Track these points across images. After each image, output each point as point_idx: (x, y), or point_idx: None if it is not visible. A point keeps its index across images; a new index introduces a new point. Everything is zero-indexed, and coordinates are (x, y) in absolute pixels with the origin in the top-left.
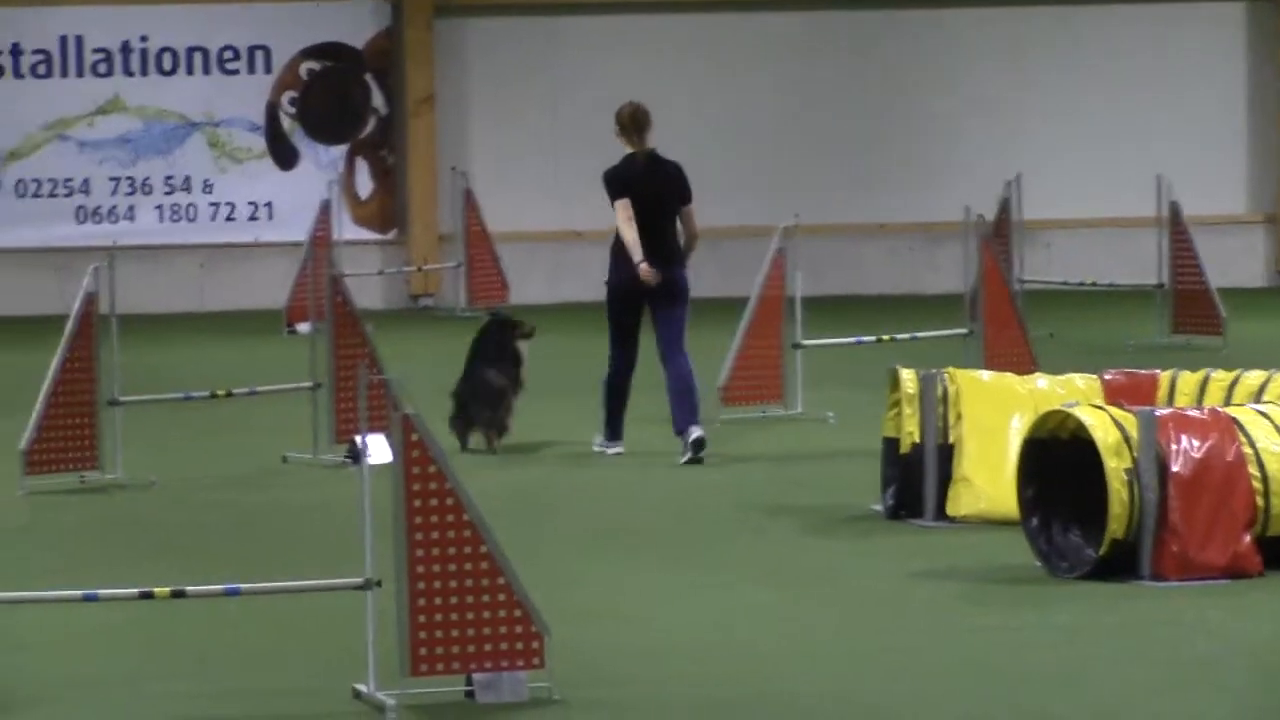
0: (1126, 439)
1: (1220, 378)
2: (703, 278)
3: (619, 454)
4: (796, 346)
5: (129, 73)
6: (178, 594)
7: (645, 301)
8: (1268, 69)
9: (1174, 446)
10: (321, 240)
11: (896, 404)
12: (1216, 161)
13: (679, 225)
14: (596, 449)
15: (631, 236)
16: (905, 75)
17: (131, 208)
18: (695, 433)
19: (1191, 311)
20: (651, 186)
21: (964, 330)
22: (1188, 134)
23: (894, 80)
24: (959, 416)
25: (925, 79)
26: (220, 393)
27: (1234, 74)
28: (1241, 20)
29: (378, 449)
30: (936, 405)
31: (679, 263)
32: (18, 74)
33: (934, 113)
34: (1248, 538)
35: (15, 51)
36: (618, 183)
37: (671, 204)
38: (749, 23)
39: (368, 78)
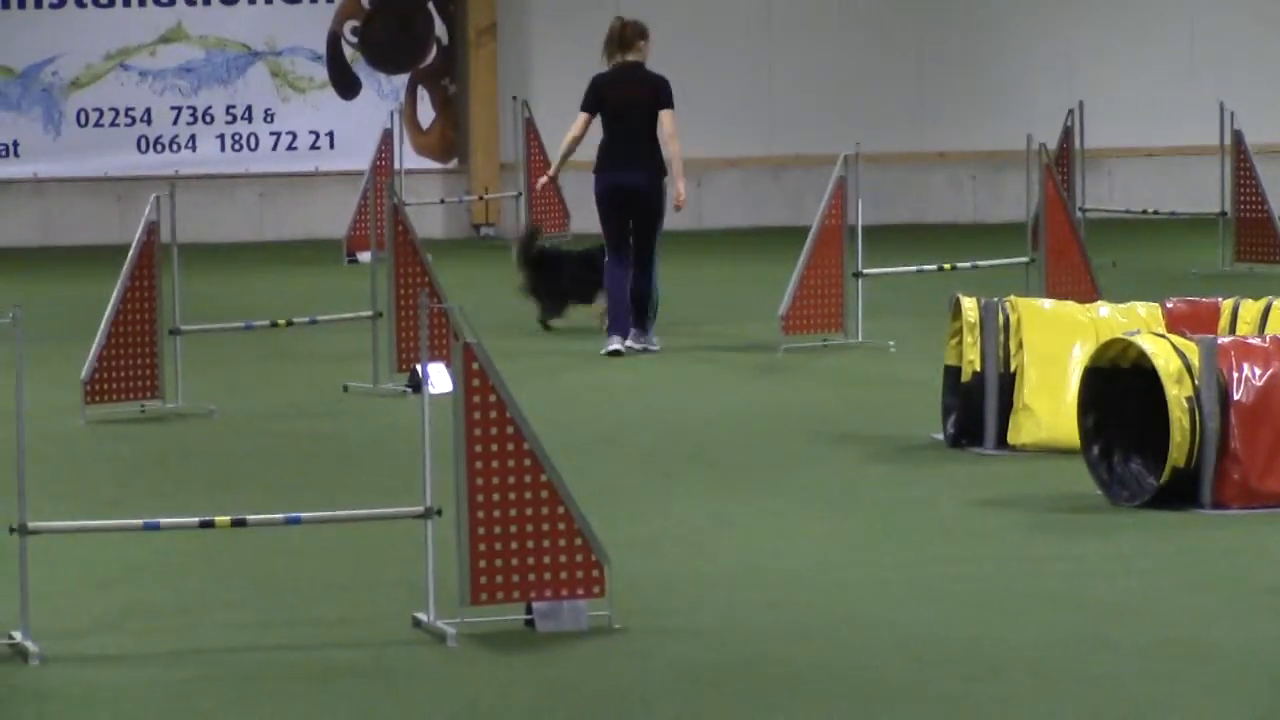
0: (1188, 367)
1: None
2: (766, 206)
3: (615, 350)
4: (857, 275)
5: (191, 2)
6: (238, 523)
7: (622, 209)
8: None
9: (1235, 375)
10: (383, 169)
11: (958, 332)
12: (1279, 89)
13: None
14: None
15: (565, 147)
16: (966, 3)
17: (193, 137)
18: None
19: (1254, 240)
20: (625, 93)
21: (1026, 259)
22: (1250, 61)
23: (955, 7)
24: (1020, 345)
25: (986, 7)
26: (281, 322)
27: None
28: None
29: (438, 378)
30: (998, 334)
31: (655, 172)
32: (80, 3)
33: (996, 40)
34: None
35: None
36: (589, 93)
37: (646, 112)
38: None
39: (430, 6)
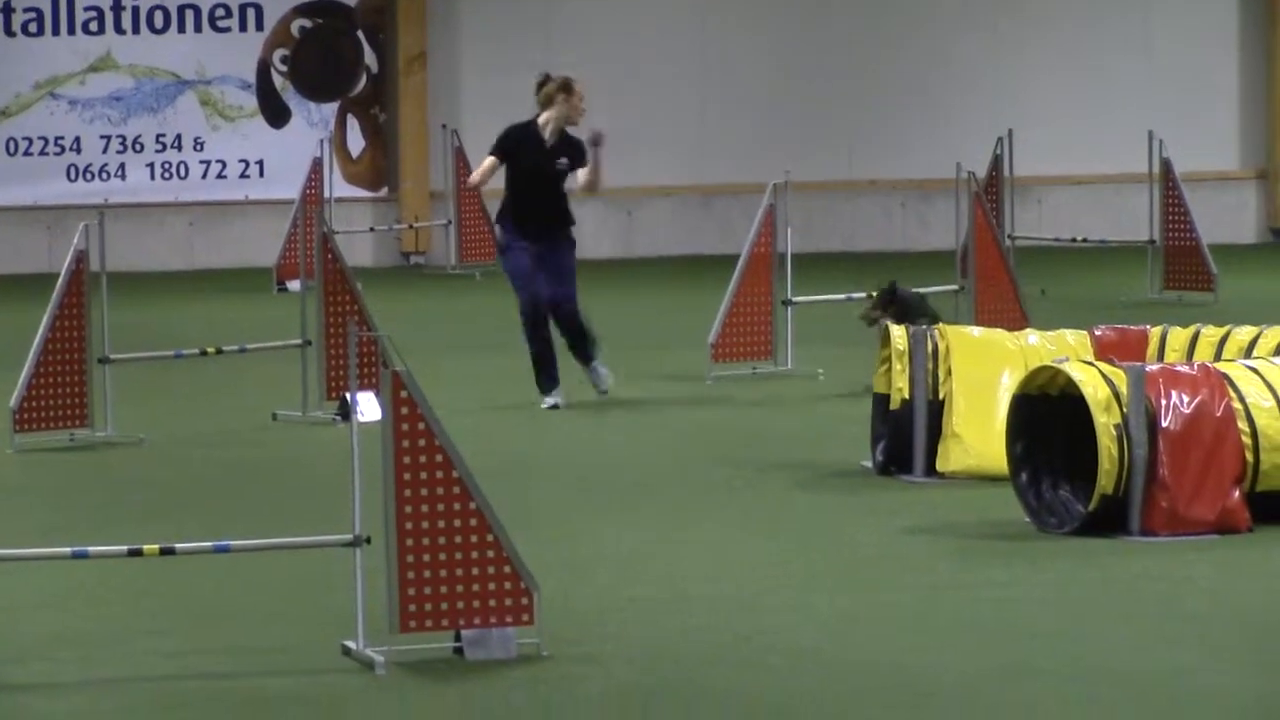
0: (1116, 395)
1: (1210, 333)
2: (697, 234)
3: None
4: (787, 303)
5: (120, 31)
6: (167, 551)
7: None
8: (1259, 24)
9: (1164, 402)
10: (312, 198)
11: (887, 360)
12: (1208, 117)
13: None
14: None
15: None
16: (897, 33)
17: (122, 166)
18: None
19: (1182, 267)
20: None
21: (955, 286)
22: (1179, 90)
23: (885, 37)
24: (949, 372)
25: (917, 36)
26: (210, 350)
27: (1225, 29)
28: None
29: (368, 406)
30: (926, 361)
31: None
32: (9, 32)
33: (926, 69)
34: (1237, 493)
35: (7, 9)
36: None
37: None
38: None
39: (359, 35)
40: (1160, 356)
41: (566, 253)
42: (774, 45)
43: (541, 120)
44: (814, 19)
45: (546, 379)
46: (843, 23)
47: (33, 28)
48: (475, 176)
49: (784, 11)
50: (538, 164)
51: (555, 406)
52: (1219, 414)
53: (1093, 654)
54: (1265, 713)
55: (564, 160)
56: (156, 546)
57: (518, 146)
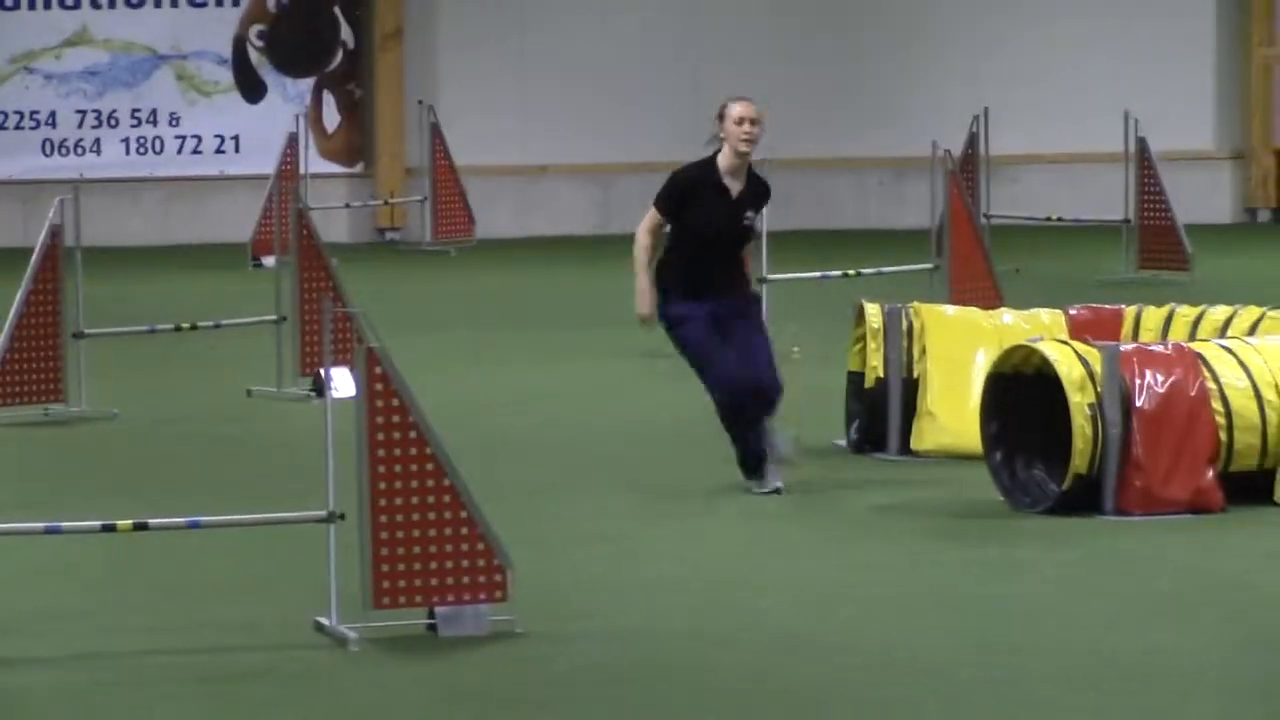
0: (1090, 374)
1: (1185, 313)
2: None
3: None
4: (763, 281)
5: (96, 5)
6: (140, 527)
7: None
8: (1236, 4)
9: (1138, 382)
10: (288, 173)
11: (861, 339)
12: (1184, 97)
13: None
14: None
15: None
16: (873, 10)
17: (98, 140)
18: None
19: (1158, 247)
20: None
21: (930, 265)
22: (1156, 69)
23: (863, 20)
24: (923, 351)
25: (893, 14)
26: (185, 326)
27: (1202, 8)
28: None
29: (342, 382)
30: (901, 340)
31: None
32: None
33: (902, 49)
34: (1210, 473)
35: None
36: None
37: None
38: None
39: (335, 10)
40: (1135, 336)
41: (756, 316)
42: (752, 26)
43: (721, 161)
44: (815, 9)
45: (755, 469)
46: (820, 5)
47: (8, 2)
48: (639, 244)
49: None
50: (711, 220)
51: (778, 490)
52: (1193, 394)
53: (1067, 631)
54: (1237, 687)
55: (750, 214)
56: (130, 522)
57: (689, 197)
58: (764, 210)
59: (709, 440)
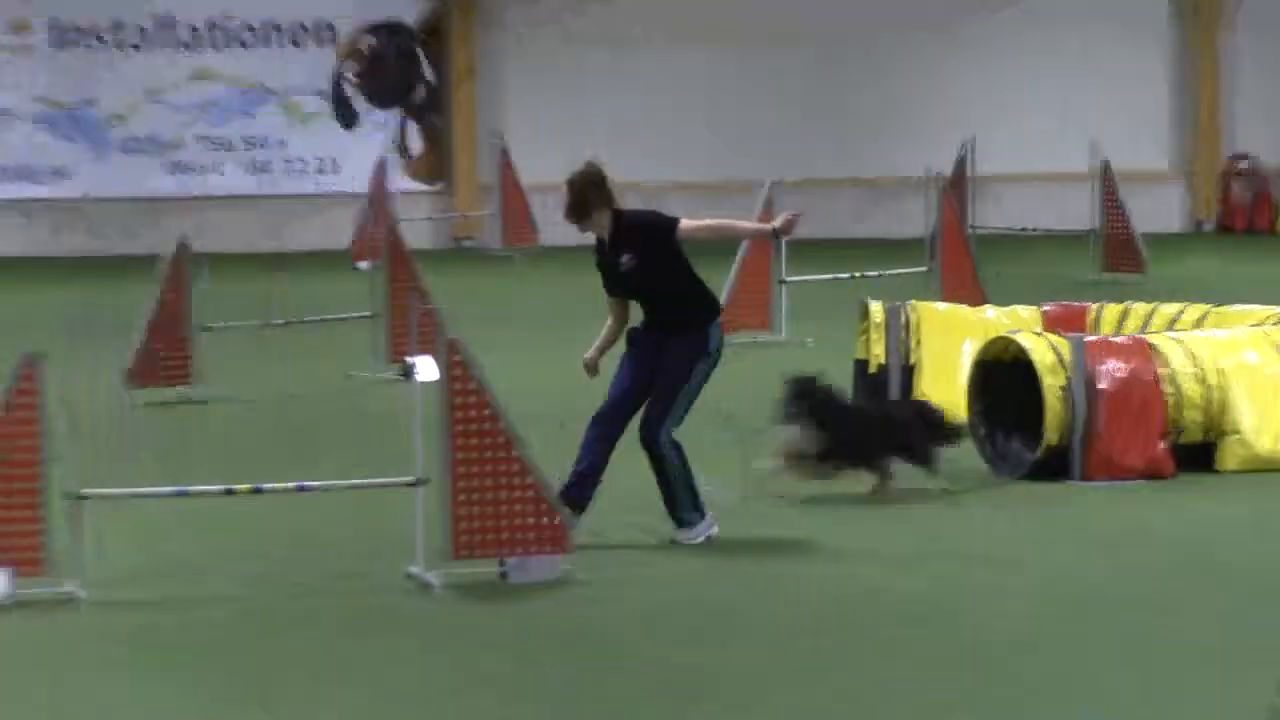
0: (1061, 361)
1: (1140, 310)
2: None
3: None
4: (782, 282)
5: (215, 46)
6: (256, 490)
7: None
8: (1187, 44)
9: (1101, 367)
10: (379, 191)
11: (866, 331)
12: (1141, 125)
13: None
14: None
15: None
16: (876, 54)
17: (217, 162)
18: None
19: (1119, 253)
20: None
21: (924, 269)
22: (1117, 102)
23: (868, 63)
24: (919, 342)
25: (894, 60)
26: (293, 320)
27: (1157, 49)
28: (1164, 5)
29: (426, 368)
30: (900, 332)
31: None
32: (119, 48)
33: (902, 86)
34: (1162, 445)
35: (117, 28)
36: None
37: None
38: (750, 10)
39: (419, 52)
40: (1097, 328)
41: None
42: (773, 70)
43: None
44: (801, 40)
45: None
46: (828, 47)
47: (140, 43)
48: None
49: (783, 42)
50: (602, 275)
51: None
52: (1147, 378)
53: (1042, 574)
54: (1179, 614)
55: (625, 258)
56: (248, 486)
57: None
58: (671, 238)
59: (734, 414)
